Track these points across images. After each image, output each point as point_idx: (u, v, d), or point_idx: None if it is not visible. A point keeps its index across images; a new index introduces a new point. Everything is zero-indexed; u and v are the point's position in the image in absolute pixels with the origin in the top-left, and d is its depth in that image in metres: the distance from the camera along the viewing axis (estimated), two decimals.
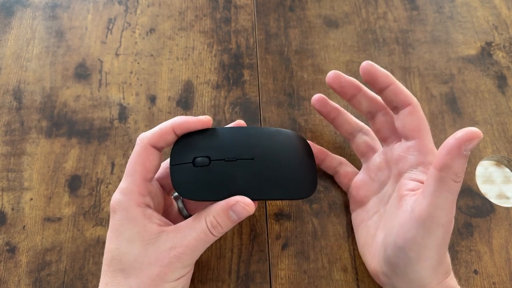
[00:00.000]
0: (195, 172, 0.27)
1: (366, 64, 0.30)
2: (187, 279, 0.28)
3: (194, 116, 0.32)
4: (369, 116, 0.33)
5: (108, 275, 0.26)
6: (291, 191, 0.29)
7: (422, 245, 0.25)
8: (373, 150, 0.33)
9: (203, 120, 0.28)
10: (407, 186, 0.28)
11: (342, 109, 0.35)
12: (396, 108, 0.30)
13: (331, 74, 0.32)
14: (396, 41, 0.43)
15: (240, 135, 0.30)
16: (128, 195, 0.27)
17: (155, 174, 0.29)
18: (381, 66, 0.41)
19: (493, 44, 0.43)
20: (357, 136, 0.34)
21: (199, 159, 0.28)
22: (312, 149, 0.33)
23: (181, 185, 0.27)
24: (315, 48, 0.43)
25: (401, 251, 0.26)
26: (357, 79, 0.41)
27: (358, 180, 0.33)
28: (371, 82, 0.30)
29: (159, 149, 0.28)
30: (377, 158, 0.32)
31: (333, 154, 0.36)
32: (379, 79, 0.29)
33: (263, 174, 0.28)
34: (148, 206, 0.27)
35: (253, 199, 0.27)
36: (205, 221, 0.26)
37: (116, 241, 0.26)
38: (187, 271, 0.27)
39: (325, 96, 0.35)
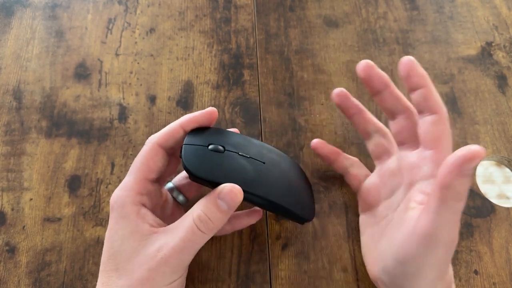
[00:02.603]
0: (208, 154, 0.27)
1: (407, 60, 0.27)
2: (179, 285, 0.27)
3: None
4: (390, 116, 0.31)
5: (104, 275, 0.26)
6: (296, 206, 0.29)
7: (422, 262, 0.24)
8: (388, 154, 0.32)
9: (208, 111, 0.29)
10: (416, 198, 0.27)
11: (362, 107, 0.33)
12: (422, 112, 0.28)
13: (363, 63, 0.30)
14: (396, 41, 0.43)
15: (252, 141, 0.30)
16: (125, 191, 0.27)
17: (158, 175, 0.28)
18: (381, 66, 0.41)
19: (493, 44, 0.43)
20: (374, 137, 0.33)
21: (213, 145, 0.28)
22: (325, 149, 0.34)
23: (191, 162, 0.26)
24: (315, 48, 0.43)
25: (401, 265, 0.25)
26: (356, 80, 0.41)
27: (370, 183, 0.32)
28: (407, 79, 0.28)
29: (167, 149, 0.28)
30: (391, 163, 0.31)
31: (347, 155, 0.35)
32: (414, 78, 0.27)
33: (273, 178, 0.28)
34: (144, 205, 0.27)
35: (260, 197, 0.27)
36: (192, 218, 0.25)
37: (111, 240, 0.26)
38: (178, 276, 0.26)
39: (346, 91, 0.33)
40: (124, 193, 0.27)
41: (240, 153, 0.28)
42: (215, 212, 0.25)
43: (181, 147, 0.27)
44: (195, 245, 0.26)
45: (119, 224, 0.26)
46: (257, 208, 0.32)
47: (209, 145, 0.28)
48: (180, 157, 0.27)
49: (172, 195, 0.31)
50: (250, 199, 0.27)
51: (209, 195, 0.26)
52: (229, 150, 0.28)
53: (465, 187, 0.23)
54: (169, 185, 0.32)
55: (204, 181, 0.27)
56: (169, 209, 0.31)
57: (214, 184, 0.26)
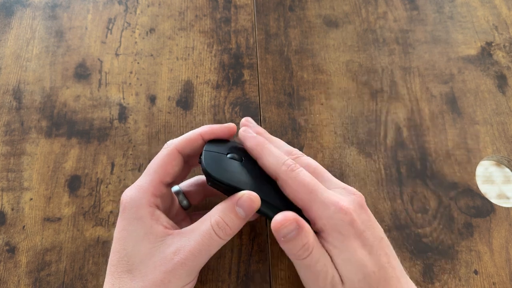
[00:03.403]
0: (227, 161, 0.28)
1: (241, 130, 0.29)
2: (191, 286, 0.27)
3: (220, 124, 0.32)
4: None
5: (114, 276, 0.25)
6: (308, 222, 0.29)
7: None
8: None
9: (228, 126, 0.30)
10: None
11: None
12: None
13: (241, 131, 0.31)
14: (396, 41, 0.43)
15: None
16: (141, 192, 0.27)
17: (173, 179, 0.29)
18: (381, 66, 0.41)
19: (493, 44, 0.43)
20: None
21: (232, 154, 0.28)
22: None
23: (211, 165, 0.27)
24: (315, 48, 0.43)
25: None
26: (356, 80, 0.41)
27: None
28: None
29: (185, 155, 0.29)
30: None
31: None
32: (249, 152, 0.29)
33: (288, 195, 0.28)
34: (157, 207, 0.27)
35: (276, 208, 0.27)
36: (210, 223, 0.25)
37: (123, 242, 0.26)
38: (191, 279, 0.26)
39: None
40: (139, 194, 0.27)
41: (257, 165, 0.29)
42: (233, 219, 0.26)
43: (201, 152, 0.28)
44: (212, 249, 0.26)
45: (132, 226, 0.26)
46: None
47: (228, 153, 0.28)
48: (199, 162, 0.27)
49: (177, 198, 0.32)
50: (265, 210, 0.27)
51: (227, 201, 0.26)
52: (247, 160, 0.29)
53: (299, 246, 0.25)
54: (176, 188, 0.32)
55: (222, 185, 0.27)
56: (174, 211, 0.31)
57: (231, 190, 0.27)
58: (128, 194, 0.27)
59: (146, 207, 0.26)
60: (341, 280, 0.25)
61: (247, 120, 0.32)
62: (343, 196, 0.26)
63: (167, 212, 0.30)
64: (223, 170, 0.27)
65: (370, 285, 0.24)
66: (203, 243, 0.25)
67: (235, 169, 0.27)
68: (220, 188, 0.27)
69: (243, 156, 0.29)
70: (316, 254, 0.25)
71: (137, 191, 0.27)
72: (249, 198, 0.26)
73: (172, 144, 0.28)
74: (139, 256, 0.25)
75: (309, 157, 0.30)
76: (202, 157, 0.27)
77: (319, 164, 0.29)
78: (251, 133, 0.29)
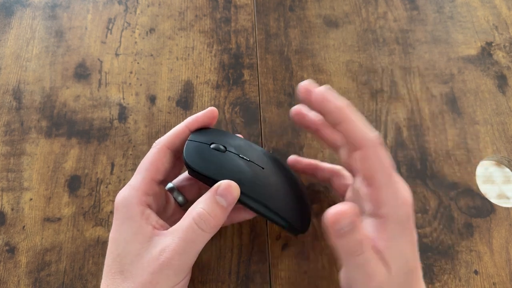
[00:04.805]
0: (209, 151, 0.28)
1: (320, 95, 0.25)
2: (183, 287, 0.27)
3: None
4: (334, 149, 0.30)
5: (109, 277, 0.26)
6: (291, 215, 0.29)
7: None
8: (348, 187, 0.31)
9: (209, 110, 0.29)
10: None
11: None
12: (350, 147, 0.25)
13: (295, 110, 0.29)
14: (396, 41, 0.43)
15: (254, 146, 0.30)
16: (133, 191, 0.27)
17: (164, 176, 0.29)
18: (381, 66, 0.41)
19: (493, 44, 0.43)
20: (332, 181, 0.32)
21: (215, 144, 0.28)
22: (301, 164, 0.33)
23: (191, 156, 0.27)
24: (315, 48, 0.43)
25: None
26: (356, 80, 0.41)
27: (348, 199, 0.30)
28: (322, 114, 0.26)
29: (175, 151, 0.28)
30: (349, 193, 0.30)
31: (324, 164, 0.33)
32: (330, 115, 0.25)
33: (271, 184, 0.28)
34: (149, 206, 0.27)
35: (255, 200, 0.27)
36: (191, 216, 0.25)
37: (116, 243, 0.26)
38: (180, 278, 0.26)
39: (303, 110, 0.31)
40: (130, 193, 0.27)
41: (240, 155, 0.28)
42: (215, 209, 0.25)
43: (185, 143, 0.28)
44: (196, 245, 0.25)
45: (124, 225, 0.26)
46: None
47: (211, 144, 0.28)
48: (182, 151, 0.28)
49: (172, 195, 0.31)
50: (245, 201, 0.27)
51: (207, 192, 0.26)
52: (230, 151, 0.28)
53: (354, 241, 0.23)
54: (169, 185, 0.32)
55: (201, 176, 0.27)
56: (170, 210, 0.31)
57: (211, 181, 0.26)
58: (121, 194, 0.27)
59: (136, 207, 0.26)
60: (387, 269, 0.24)
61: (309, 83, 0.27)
62: (406, 189, 0.25)
63: (162, 211, 0.30)
64: (204, 161, 0.27)
65: (407, 280, 0.24)
66: (187, 239, 0.25)
67: (216, 160, 0.27)
68: (201, 179, 0.27)
69: (227, 146, 0.29)
70: (369, 253, 0.24)
71: (128, 191, 0.27)
72: (228, 185, 0.26)
73: (161, 141, 0.28)
74: (130, 257, 0.25)
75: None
76: (185, 147, 0.28)
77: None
78: (330, 94, 0.25)
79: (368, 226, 0.25)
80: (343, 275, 0.26)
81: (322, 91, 0.25)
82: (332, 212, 0.23)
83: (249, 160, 0.28)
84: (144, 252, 0.25)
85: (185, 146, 0.28)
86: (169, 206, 0.31)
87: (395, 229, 0.24)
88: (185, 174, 0.33)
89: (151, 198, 0.27)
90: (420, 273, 0.26)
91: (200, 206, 0.26)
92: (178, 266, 0.25)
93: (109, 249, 0.26)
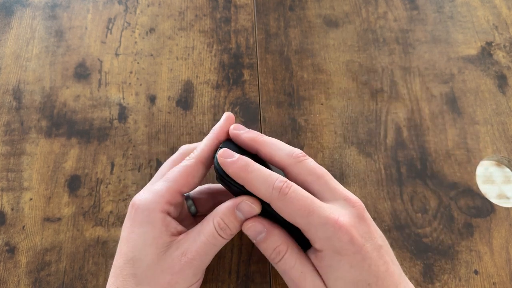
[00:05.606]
0: None
1: (231, 129, 0.29)
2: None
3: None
4: None
5: (119, 279, 0.26)
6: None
7: None
8: None
9: (228, 117, 0.30)
10: None
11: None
12: None
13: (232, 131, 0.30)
14: (396, 41, 0.43)
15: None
16: (157, 197, 0.27)
17: (191, 190, 0.29)
18: (381, 66, 0.41)
19: (493, 44, 0.43)
20: None
21: (247, 155, 0.27)
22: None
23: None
24: (315, 48, 0.43)
25: None
26: (356, 79, 0.41)
27: None
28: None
29: (207, 164, 0.28)
30: None
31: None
32: (246, 146, 0.28)
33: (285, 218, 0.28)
34: (169, 213, 0.27)
35: (278, 217, 0.27)
36: (212, 223, 0.26)
37: (131, 244, 0.26)
38: (197, 279, 0.27)
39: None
40: (154, 198, 0.27)
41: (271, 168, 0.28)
42: (233, 222, 0.26)
43: (217, 149, 0.28)
44: (216, 248, 0.27)
45: (142, 228, 0.26)
46: None
47: (244, 153, 0.28)
48: (213, 157, 0.27)
49: (186, 203, 0.32)
50: (270, 213, 0.27)
51: (228, 203, 0.26)
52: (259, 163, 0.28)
53: (271, 248, 0.26)
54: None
55: (230, 184, 0.27)
56: (182, 216, 0.31)
57: (237, 190, 0.26)
58: (143, 197, 0.27)
59: (158, 213, 0.26)
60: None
61: (235, 128, 0.29)
62: (343, 209, 0.26)
63: (177, 218, 0.30)
64: None
65: None
66: (208, 242, 0.26)
67: None
68: (228, 186, 0.27)
69: (255, 160, 0.28)
70: (291, 260, 0.26)
71: (152, 196, 0.27)
72: (249, 204, 0.26)
73: (196, 156, 0.28)
74: (146, 261, 0.25)
75: (313, 161, 0.28)
76: (217, 153, 0.27)
77: (324, 170, 0.28)
78: (230, 157, 0.26)
79: (311, 256, 0.26)
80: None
81: (218, 157, 0.27)
82: (245, 223, 0.26)
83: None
84: (162, 256, 0.26)
85: (217, 152, 0.27)
86: (182, 212, 0.31)
87: (332, 258, 0.25)
88: (204, 187, 0.32)
89: (173, 207, 0.27)
90: (390, 280, 0.25)
91: (220, 216, 0.26)
92: (197, 266, 0.26)
93: (121, 250, 0.26)
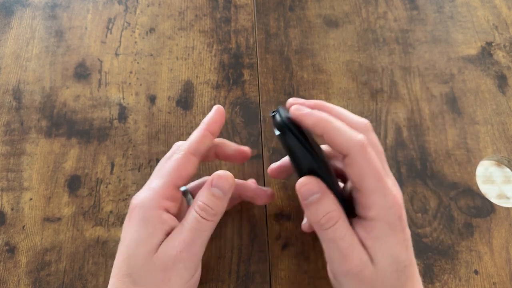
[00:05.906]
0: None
1: (298, 113, 0.26)
2: (193, 286, 0.27)
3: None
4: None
5: (118, 278, 0.26)
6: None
7: None
8: None
9: (218, 109, 0.29)
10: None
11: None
12: (341, 155, 0.26)
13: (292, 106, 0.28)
14: (396, 41, 0.43)
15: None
16: (152, 194, 0.27)
17: (186, 182, 0.29)
18: (381, 66, 0.41)
19: (493, 44, 0.43)
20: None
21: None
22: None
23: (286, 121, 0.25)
24: (315, 48, 0.43)
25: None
26: (356, 79, 0.41)
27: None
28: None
29: (199, 156, 0.28)
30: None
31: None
32: (310, 129, 0.26)
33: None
34: (167, 210, 0.27)
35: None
36: (194, 209, 0.26)
37: (127, 243, 0.26)
38: (191, 275, 0.26)
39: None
40: (149, 195, 0.27)
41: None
42: (212, 200, 0.26)
43: (276, 109, 0.27)
44: (202, 234, 0.26)
45: (138, 226, 0.26)
46: (268, 191, 0.32)
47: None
48: (272, 115, 0.26)
49: (185, 198, 0.31)
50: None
51: (204, 186, 0.27)
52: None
53: (322, 212, 0.25)
54: (183, 188, 0.32)
55: (294, 140, 0.25)
56: (182, 213, 0.31)
57: (299, 152, 0.25)
58: (140, 195, 0.27)
59: (154, 210, 0.26)
60: (372, 262, 0.25)
61: (295, 100, 0.28)
62: (396, 188, 0.26)
63: (178, 214, 0.30)
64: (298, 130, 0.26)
65: (399, 278, 0.25)
66: (193, 229, 0.26)
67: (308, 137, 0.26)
68: (290, 144, 0.25)
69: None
70: (342, 230, 0.25)
71: (148, 193, 0.27)
72: (221, 177, 0.26)
73: (185, 148, 0.28)
74: (140, 260, 0.25)
75: (375, 136, 0.27)
76: (277, 111, 0.26)
77: (382, 149, 0.27)
78: (305, 109, 0.25)
79: (357, 227, 0.25)
80: (327, 260, 0.27)
81: (295, 109, 0.26)
82: (300, 181, 0.25)
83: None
84: (155, 254, 0.25)
85: (279, 110, 0.26)
86: (183, 208, 0.31)
87: (383, 229, 0.25)
88: (200, 181, 0.32)
89: (170, 203, 0.27)
90: (414, 271, 0.26)
91: (200, 198, 0.27)
92: (188, 258, 0.25)
93: (118, 249, 0.27)
